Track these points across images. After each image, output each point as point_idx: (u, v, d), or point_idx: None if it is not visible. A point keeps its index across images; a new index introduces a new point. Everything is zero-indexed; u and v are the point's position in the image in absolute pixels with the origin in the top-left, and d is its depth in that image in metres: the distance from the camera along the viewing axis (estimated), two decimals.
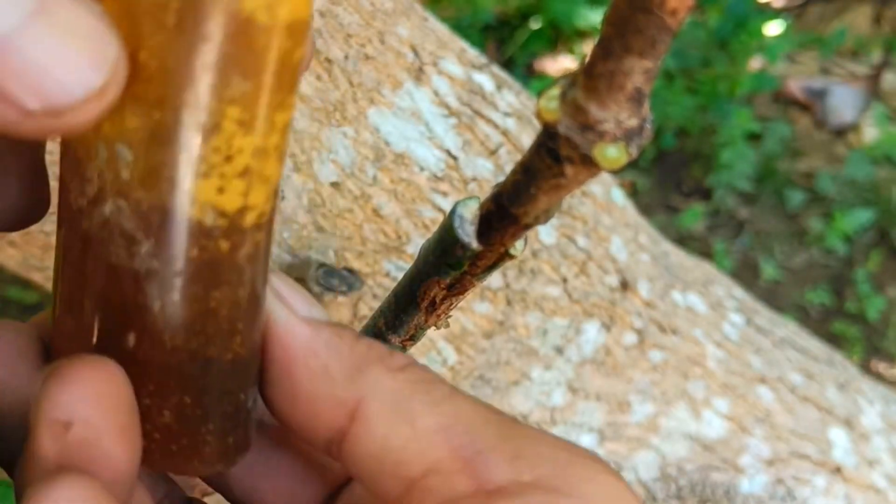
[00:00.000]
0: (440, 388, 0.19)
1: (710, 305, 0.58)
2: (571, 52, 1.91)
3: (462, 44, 0.47)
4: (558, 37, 1.75)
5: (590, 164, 0.16)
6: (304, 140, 0.39)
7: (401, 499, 0.18)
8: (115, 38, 0.14)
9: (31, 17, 0.13)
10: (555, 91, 0.16)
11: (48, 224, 0.38)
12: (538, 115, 0.16)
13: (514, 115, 0.46)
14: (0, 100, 0.13)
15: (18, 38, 0.12)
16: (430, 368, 0.20)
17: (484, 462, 0.17)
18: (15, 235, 0.38)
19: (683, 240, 1.53)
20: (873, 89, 1.93)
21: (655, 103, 1.71)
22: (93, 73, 0.13)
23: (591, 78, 0.15)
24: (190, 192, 0.16)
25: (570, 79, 0.16)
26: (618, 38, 0.14)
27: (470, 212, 0.21)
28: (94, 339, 0.18)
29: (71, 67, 0.13)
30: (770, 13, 1.89)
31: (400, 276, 0.43)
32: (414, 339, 0.27)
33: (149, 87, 0.15)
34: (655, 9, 0.14)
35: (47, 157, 0.20)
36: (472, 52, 0.47)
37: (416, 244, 0.42)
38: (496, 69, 0.48)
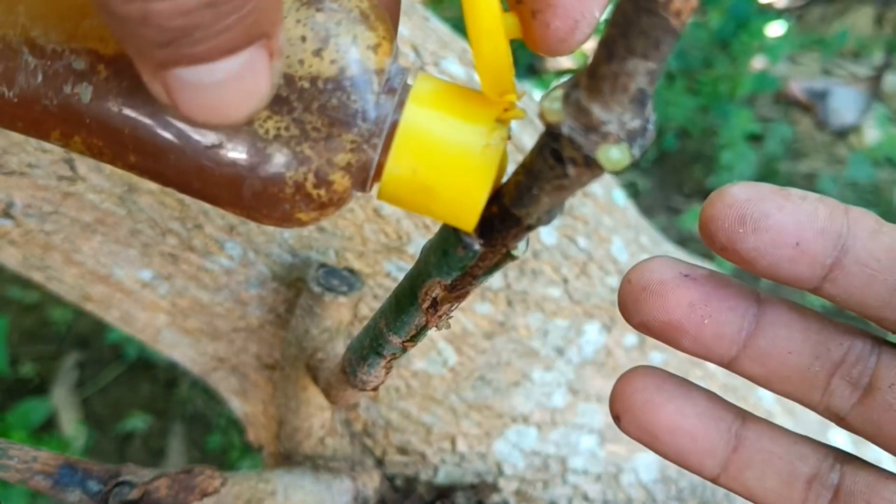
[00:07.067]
0: None
1: None
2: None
3: (463, 44, 0.47)
4: None
5: (593, 166, 0.16)
6: None
7: None
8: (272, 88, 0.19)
9: (239, 74, 0.18)
10: (558, 92, 0.16)
11: (48, 223, 0.38)
12: (541, 116, 0.16)
13: None
14: (185, 107, 0.18)
15: (224, 84, 0.18)
16: None
17: None
18: (15, 235, 0.38)
19: (685, 241, 1.53)
20: (875, 91, 1.93)
21: (657, 104, 1.71)
22: (249, 110, 0.19)
23: (595, 79, 0.15)
24: None
25: (574, 80, 0.16)
26: (621, 40, 0.14)
27: None
28: None
29: (241, 108, 0.19)
30: (771, 14, 1.89)
31: (400, 276, 0.43)
32: (415, 339, 0.27)
33: None
34: (660, 10, 0.14)
35: None
36: None
37: (416, 244, 0.42)
38: None
